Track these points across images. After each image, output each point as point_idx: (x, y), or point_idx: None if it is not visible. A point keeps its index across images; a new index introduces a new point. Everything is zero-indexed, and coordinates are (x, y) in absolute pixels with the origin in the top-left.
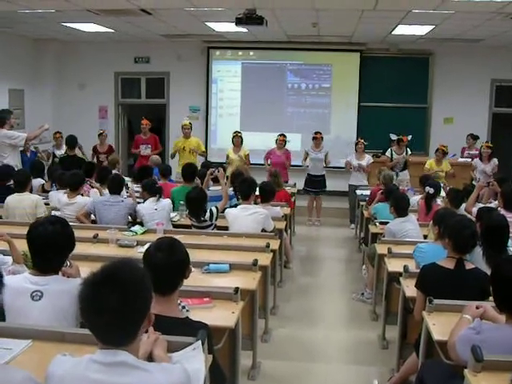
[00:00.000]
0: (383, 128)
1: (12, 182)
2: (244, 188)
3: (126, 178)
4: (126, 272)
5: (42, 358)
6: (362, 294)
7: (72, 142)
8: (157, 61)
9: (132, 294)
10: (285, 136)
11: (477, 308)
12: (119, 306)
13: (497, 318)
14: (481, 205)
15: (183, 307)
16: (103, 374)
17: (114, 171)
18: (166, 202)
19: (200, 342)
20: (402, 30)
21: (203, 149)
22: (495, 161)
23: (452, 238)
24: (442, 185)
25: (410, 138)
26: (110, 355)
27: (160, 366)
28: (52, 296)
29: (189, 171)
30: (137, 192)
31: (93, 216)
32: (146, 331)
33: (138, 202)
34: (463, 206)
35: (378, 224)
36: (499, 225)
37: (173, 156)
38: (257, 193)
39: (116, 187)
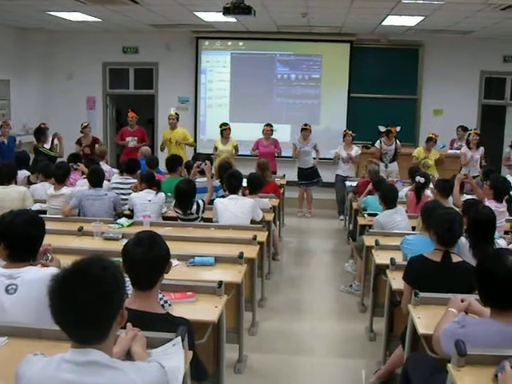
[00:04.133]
0: (373, 119)
1: None
2: (232, 182)
3: (114, 170)
4: (97, 268)
5: (18, 355)
6: (351, 285)
7: (36, 133)
8: (145, 51)
9: (103, 291)
10: (271, 126)
11: (462, 301)
12: (89, 303)
13: (482, 312)
14: (468, 196)
15: (165, 302)
16: (74, 374)
17: (102, 162)
18: (161, 196)
19: (180, 338)
20: (392, 20)
21: (191, 140)
22: (483, 149)
23: (433, 231)
24: (430, 176)
25: (398, 128)
26: (82, 354)
27: (134, 365)
28: (27, 287)
29: (171, 162)
30: (123, 184)
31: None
32: (124, 327)
33: (123, 194)
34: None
35: (366, 216)
36: (486, 218)
37: (162, 148)
38: (244, 184)
39: (96, 180)
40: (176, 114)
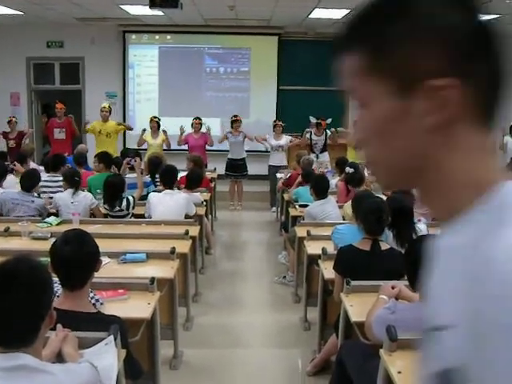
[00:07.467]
0: (302, 111)
1: None
2: (167, 177)
3: (40, 167)
4: (24, 268)
5: None
6: (284, 276)
7: None
8: (71, 45)
9: (30, 292)
10: (200, 119)
11: (392, 288)
12: (15, 306)
13: (412, 297)
14: None
15: (97, 300)
16: (2, 380)
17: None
18: (85, 198)
19: (112, 336)
20: (319, 13)
21: (122, 127)
22: None
23: (361, 221)
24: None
25: (329, 121)
26: (9, 359)
27: (64, 366)
28: None
29: (105, 159)
30: (51, 182)
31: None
32: (54, 329)
33: (52, 192)
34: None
35: (297, 207)
36: (399, 206)
37: (84, 131)
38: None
39: (29, 184)
40: (109, 106)
